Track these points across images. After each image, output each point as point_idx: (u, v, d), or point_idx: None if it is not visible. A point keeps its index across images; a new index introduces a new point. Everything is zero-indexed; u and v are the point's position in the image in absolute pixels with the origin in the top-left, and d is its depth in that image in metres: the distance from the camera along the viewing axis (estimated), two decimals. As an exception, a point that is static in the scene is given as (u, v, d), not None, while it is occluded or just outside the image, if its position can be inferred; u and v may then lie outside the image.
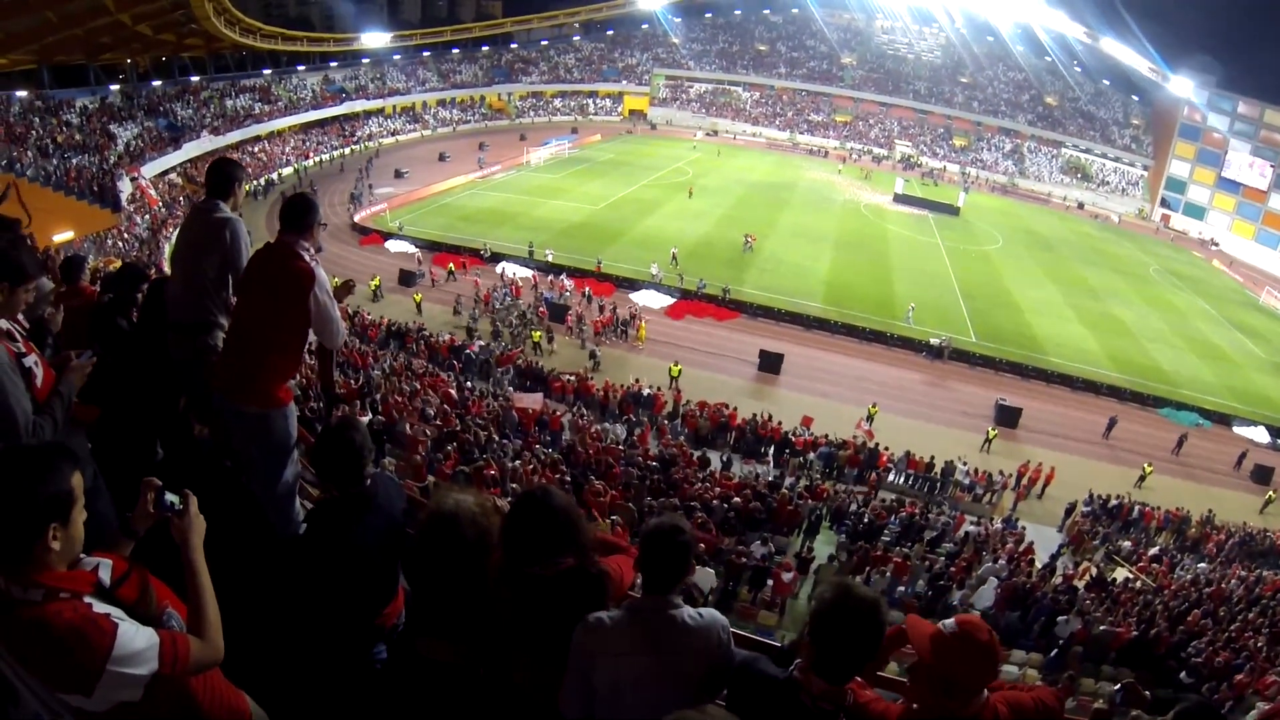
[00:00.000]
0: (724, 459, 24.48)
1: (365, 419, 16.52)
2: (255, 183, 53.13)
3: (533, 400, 24.50)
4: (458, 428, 18.30)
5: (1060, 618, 14.92)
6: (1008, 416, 32.13)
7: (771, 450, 26.02)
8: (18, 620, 2.19)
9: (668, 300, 38.97)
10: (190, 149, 52.46)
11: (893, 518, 20.51)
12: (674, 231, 48.34)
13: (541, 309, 35.34)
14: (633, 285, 39.90)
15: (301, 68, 70.47)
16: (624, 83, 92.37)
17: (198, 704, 2.57)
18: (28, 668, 2.22)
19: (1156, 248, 70.59)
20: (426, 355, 29.04)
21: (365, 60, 76.70)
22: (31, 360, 3.40)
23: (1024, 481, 27.35)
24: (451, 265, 39.97)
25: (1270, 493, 29.99)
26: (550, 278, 39.85)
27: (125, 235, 37.67)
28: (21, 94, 44.04)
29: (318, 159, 64.27)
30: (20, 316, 3.54)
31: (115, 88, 51.95)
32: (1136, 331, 45.57)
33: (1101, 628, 14.48)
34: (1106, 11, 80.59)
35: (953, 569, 16.98)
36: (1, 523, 2.20)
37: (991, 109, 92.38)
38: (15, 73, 45.32)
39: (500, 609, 2.84)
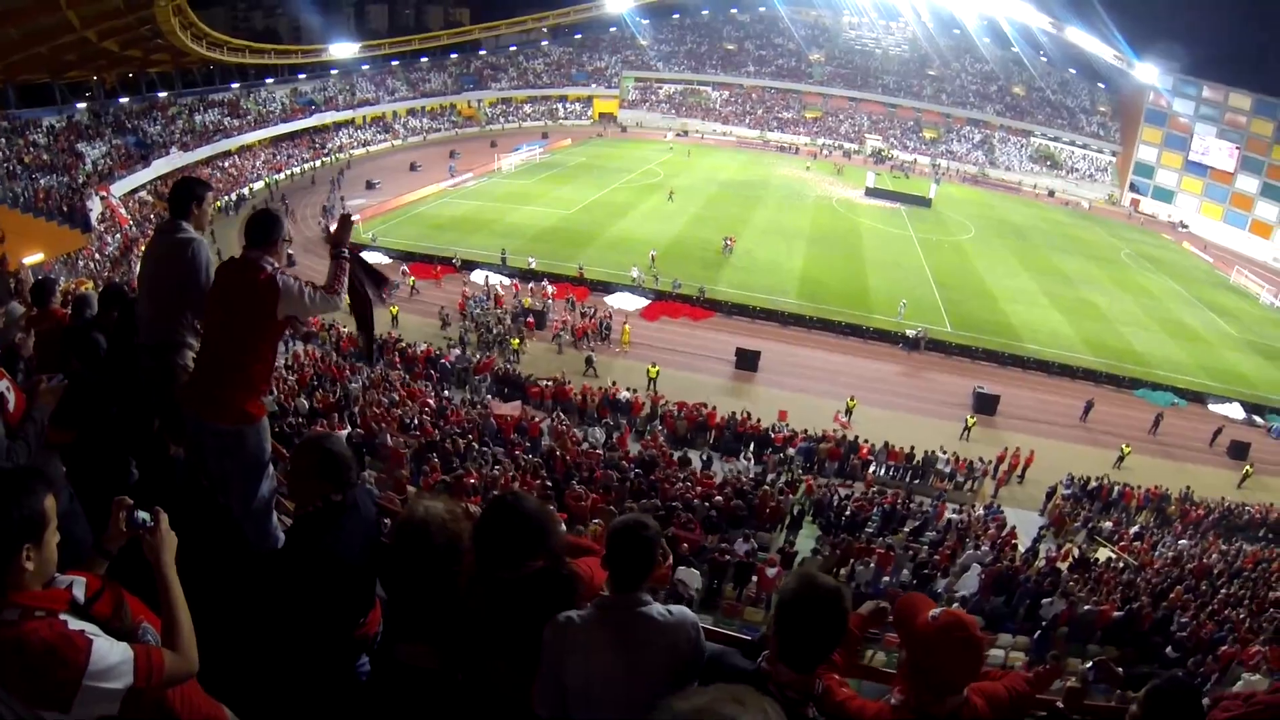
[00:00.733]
0: (704, 458, 24.41)
1: (344, 432, 16.74)
2: (226, 198, 52.60)
3: (511, 407, 24.51)
4: (437, 438, 18.26)
5: (1044, 600, 15.02)
6: (986, 404, 32.28)
7: (751, 447, 25.93)
8: None
9: (643, 302, 38.91)
10: (160, 166, 51.85)
11: (874, 509, 20.64)
12: (647, 233, 48.27)
13: (529, 319, 35.14)
14: (607, 288, 39.81)
15: (270, 80, 69.89)
16: (593, 86, 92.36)
17: (175, 716, 2.61)
18: (5, 686, 2.23)
19: (1127, 232, 71.27)
20: (403, 366, 28.81)
21: (334, 71, 76.22)
22: (3, 386, 3.47)
23: (1004, 468, 27.45)
24: (413, 279, 39.72)
25: (1247, 467, 30.37)
26: (531, 284, 39.59)
27: (96, 255, 37.22)
28: (-14, 115, 43.35)
29: (289, 172, 63.65)
30: None
31: (82, 106, 51.31)
32: (1110, 315, 46.00)
33: (1085, 608, 14.59)
34: (1071, 1, 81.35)
35: (936, 557, 17.06)
36: None
37: (960, 101, 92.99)
38: (-21, 93, 44.72)
39: (473, 613, 2.86)
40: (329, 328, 30.77)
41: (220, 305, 4.22)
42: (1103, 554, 21.19)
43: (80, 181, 43.48)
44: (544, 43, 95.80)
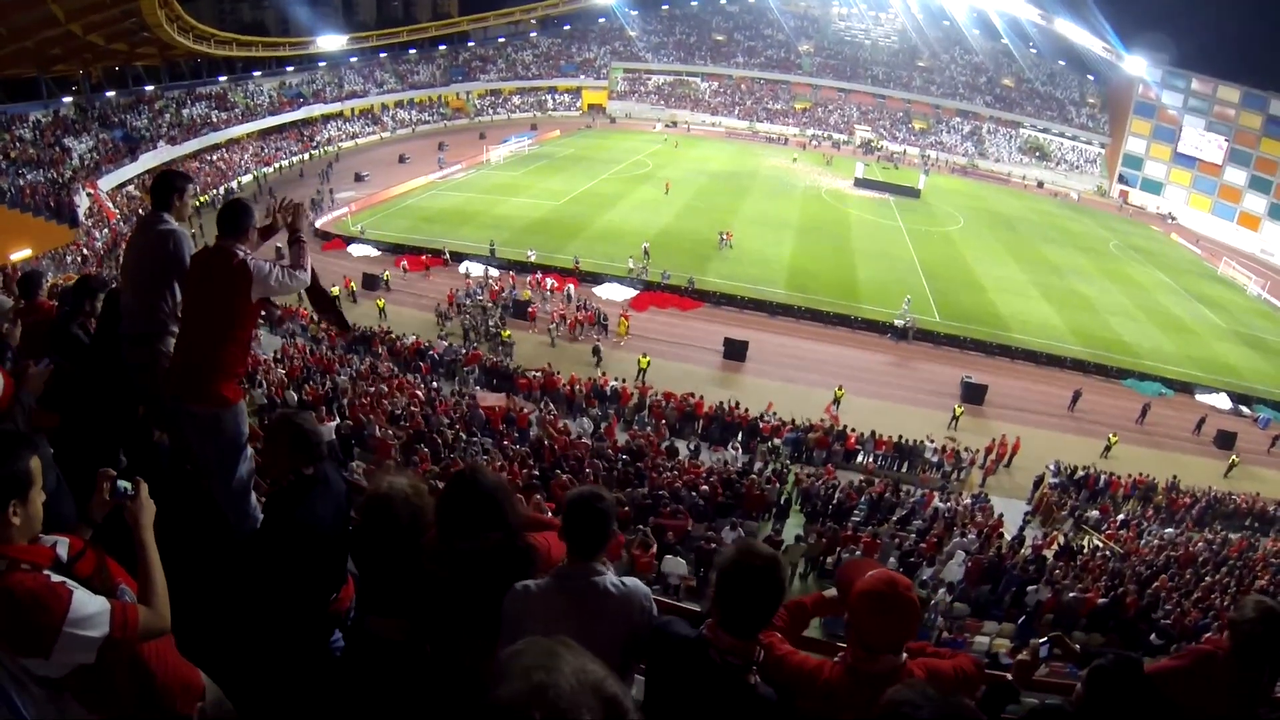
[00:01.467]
0: (691, 447, 24.52)
1: (333, 424, 16.86)
2: (214, 191, 52.10)
3: (497, 398, 24.55)
4: (425, 429, 18.29)
5: (1030, 587, 15.09)
6: (974, 393, 32.35)
7: (740, 437, 25.93)
8: None
9: (631, 293, 38.76)
10: (147, 160, 51.29)
11: (862, 498, 20.63)
12: (636, 224, 48.11)
13: (531, 309, 35.09)
14: (596, 279, 39.61)
15: (257, 73, 69.19)
16: (582, 77, 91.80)
17: (150, 671, 2.72)
18: None
19: (1116, 223, 71.51)
20: (392, 358, 28.75)
21: (322, 64, 75.46)
22: None
23: (992, 457, 27.47)
24: (404, 265, 39.73)
25: (1233, 457, 30.58)
26: (530, 277, 39.39)
27: (84, 250, 36.89)
28: (-27, 111, 42.89)
29: (277, 165, 63.16)
30: None
31: (68, 100, 50.87)
32: (1098, 306, 46.14)
33: (1070, 595, 14.69)
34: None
35: (923, 545, 17.12)
36: None
37: (949, 92, 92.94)
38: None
39: (436, 585, 2.92)
40: (317, 320, 30.56)
41: (195, 292, 4.43)
42: (1089, 542, 21.31)
43: (67, 176, 43.10)
44: (533, 34, 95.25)
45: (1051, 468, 26.54)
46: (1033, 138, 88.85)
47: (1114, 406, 33.63)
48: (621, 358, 32.07)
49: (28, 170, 41.75)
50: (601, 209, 51.52)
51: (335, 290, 35.16)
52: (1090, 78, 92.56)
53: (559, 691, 1.29)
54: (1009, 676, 3.47)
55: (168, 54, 56.02)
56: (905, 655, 2.73)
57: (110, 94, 54.65)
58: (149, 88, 58.25)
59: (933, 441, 26.94)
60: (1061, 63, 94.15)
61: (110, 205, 44.32)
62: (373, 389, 22.00)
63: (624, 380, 28.56)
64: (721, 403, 27.18)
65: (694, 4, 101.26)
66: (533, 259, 40.77)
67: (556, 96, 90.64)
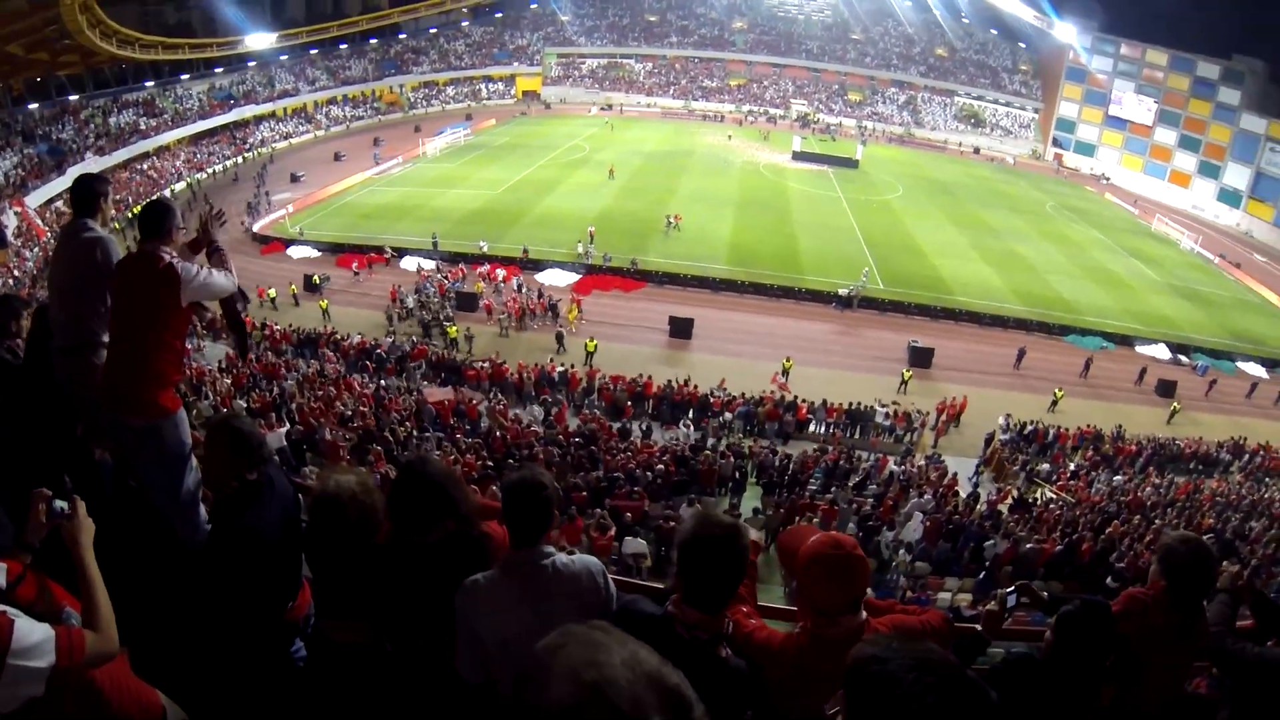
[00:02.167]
0: (643, 428, 24.33)
1: (283, 430, 16.91)
2: (147, 202, 50.22)
3: (445, 392, 24.32)
4: (376, 429, 18.10)
5: (987, 542, 15.30)
6: (921, 357, 32.63)
7: (690, 414, 25.81)
8: None
9: (574, 277, 38.40)
10: (75, 173, 48.28)
11: (816, 466, 20.67)
12: (575, 209, 47.68)
13: (486, 302, 34.50)
14: (538, 266, 39.11)
15: (185, 76, 66.95)
16: (516, 65, 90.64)
17: (105, 699, 2.61)
18: None
19: (1051, 185, 72.85)
20: (338, 359, 28.15)
21: (251, 63, 73.33)
22: None
23: (943, 418, 27.72)
24: (356, 264, 38.83)
25: (1175, 404, 31.63)
26: (480, 269, 38.69)
27: (15, 271, 35.61)
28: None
29: (210, 170, 61.17)
30: None
31: (-11, 115, 48.72)
32: (1038, 266, 46.90)
33: (1028, 546, 14.93)
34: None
35: (880, 509, 17.18)
36: None
37: (884, 63, 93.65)
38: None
39: (392, 581, 2.90)
40: (261, 325, 29.78)
41: (123, 300, 4.19)
42: (1041, 494, 21.57)
43: (-8, 196, 41.25)
44: (464, 23, 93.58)
45: (1002, 423, 26.87)
46: (967, 105, 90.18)
47: (1058, 362, 34.28)
48: (573, 343, 31.71)
49: (-50, 191, 39.92)
50: (540, 195, 50.92)
51: (273, 293, 34.46)
52: (1022, 45, 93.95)
53: (617, 690, 1.14)
54: (978, 628, 3.43)
55: (91, 61, 54.17)
56: (865, 614, 2.70)
57: (33, 106, 52.51)
58: (73, 97, 55.98)
59: (883, 406, 27.04)
60: (993, 31, 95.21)
61: (40, 223, 42.75)
62: (321, 392, 21.57)
63: (573, 365, 28.25)
64: (670, 381, 26.97)
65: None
66: (485, 250, 40.11)
67: (490, 85, 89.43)
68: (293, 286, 35.57)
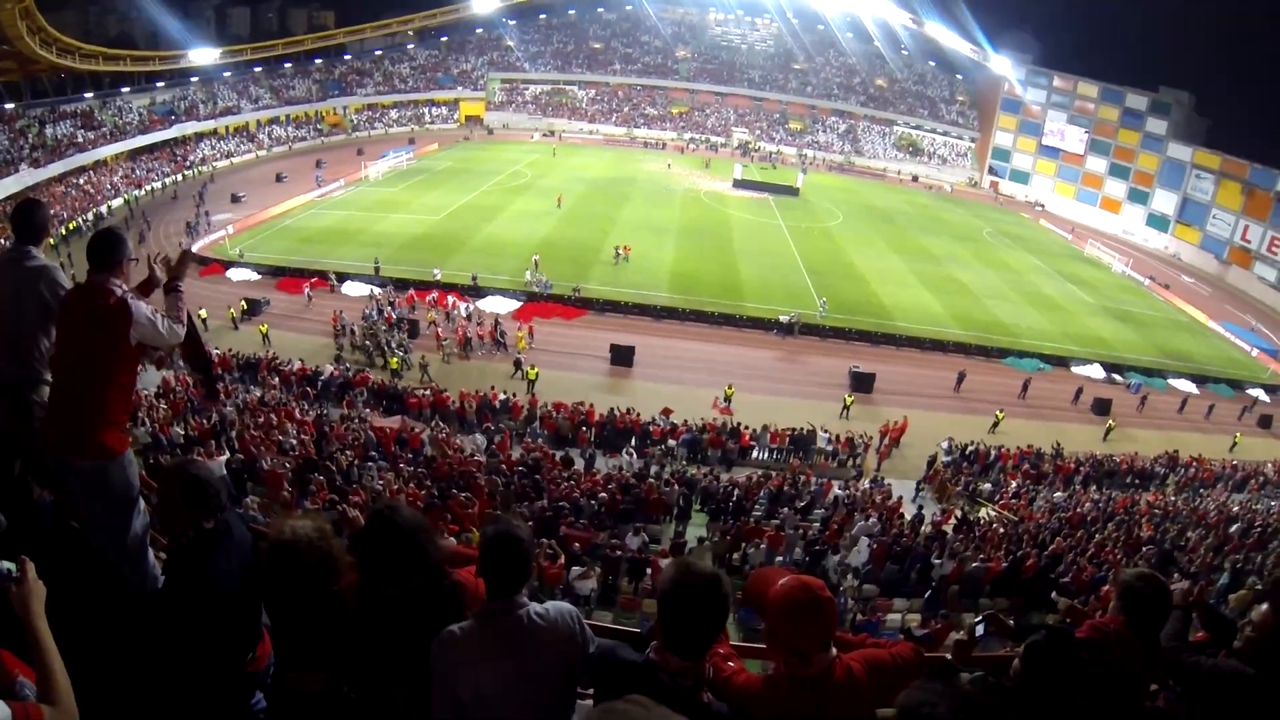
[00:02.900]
0: (586, 456, 24.05)
1: (223, 458, 16.38)
2: (81, 218, 48.97)
3: (390, 420, 23.84)
4: (318, 457, 17.75)
5: (935, 561, 15.46)
6: (862, 382, 32.88)
7: (633, 442, 25.58)
8: None
9: (515, 304, 37.99)
10: (8, 184, 47.63)
11: (761, 491, 20.75)
12: (516, 235, 47.43)
13: (439, 331, 33.95)
14: (479, 293, 38.65)
15: (126, 89, 65.48)
16: (460, 89, 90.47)
17: None
18: None
19: (988, 212, 74.68)
20: (279, 386, 27.55)
21: (194, 79, 72.01)
22: None
23: (885, 441, 27.94)
24: (308, 287, 38.12)
25: (1110, 421, 32.59)
26: (428, 296, 38.04)
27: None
28: None
29: (149, 188, 59.53)
30: None
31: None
32: (976, 290, 47.82)
33: (973, 565, 15.14)
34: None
35: (826, 533, 17.21)
36: None
37: (825, 93, 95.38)
38: None
39: (359, 631, 2.86)
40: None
41: (70, 334, 3.99)
42: (985, 513, 21.86)
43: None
44: (410, 46, 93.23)
45: (944, 446, 27.22)
46: (906, 134, 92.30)
47: (997, 384, 34.88)
48: (501, 370, 31.45)
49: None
50: (482, 222, 50.46)
51: (203, 313, 33.16)
52: (959, 77, 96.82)
53: None
54: (948, 657, 3.47)
55: (29, 69, 53.02)
56: (835, 650, 2.73)
57: (-35, 114, 50.81)
58: (9, 105, 54.39)
59: (826, 431, 27.12)
60: (932, 63, 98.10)
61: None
62: (262, 419, 21.02)
63: (514, 394, 27.91)
64: (612, 409, 26.74)
65: (571, 13, 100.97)
66: (439, 277, 39.44)
67: (434, 109, 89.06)
68: (231, 310, 34.58)
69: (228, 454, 17.10)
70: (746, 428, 26.73)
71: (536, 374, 30.06)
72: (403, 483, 16.06)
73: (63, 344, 4.08)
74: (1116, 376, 38.11)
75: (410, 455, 20.25)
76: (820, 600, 2.64)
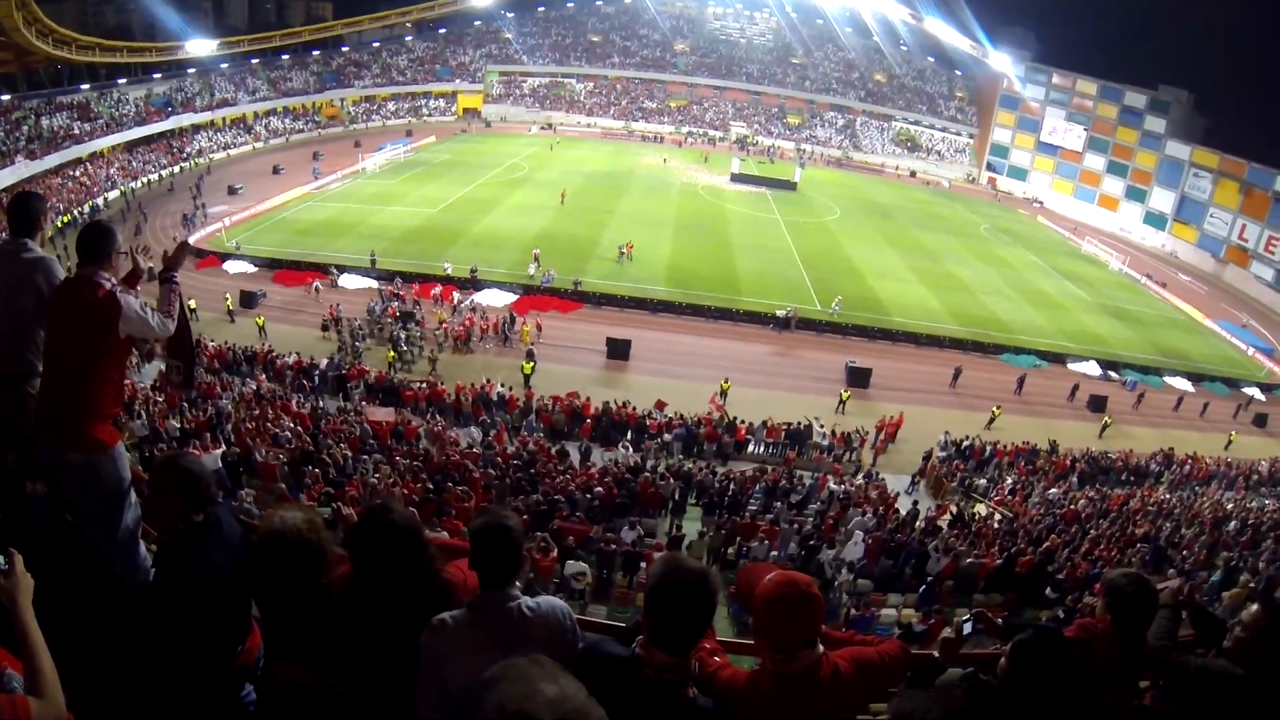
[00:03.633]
0: (582, 449, 24.07)
1: (218, 451, 16.37)
2: (78, 210, 48.60)
3: (385, 413, 23.71)
4: (314, 450, 17.73)
5: (929, 557, 15.47)
6: (859, 377, 32.89)
7: (629, 436, 25.65)
8: None
9: (511, 297, 37.86)
10: (5, 176, 47.27)
11: (756, 486, 20.70)
12: (514, 228, 47.30)
13: (444, 325, 33.75)
14: (476, 285, 38.55)
15: (123, 81, 64.86)
16: (458, 81, 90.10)
17: None
18: None
19: (986, 208, 74.75)
20: (276, 378, 27.52)
21: (191, 70, 71.57)
22: None
23: (881, 436, 27.96)
24: (318, 283, 37.82)
25: (1106, 418, 32.71)
26: (433, 289, 37.97)
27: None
28: None
29: (145, 180, 58.95)
30: None
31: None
32: (973, 286, 47.80)
33: (968, 560, 15.17)
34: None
35: (821, 528, 17.16)
36: None
37: (823, 88, 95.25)
38: None
39: (348, 626, 2.87)
40: (195, 343, 28.55)
41: (59, 327, 4.01)
42: (980, 509, 21.89)
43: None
44: (408, 38, 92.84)
45: (940, 441, 27.25)
46: (904, 130, 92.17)
47: (993, 380, 34.92)
48: (500, 364, 31.38)
49: None
50: (479, 214, 50.30)
51: (192, 303, 33.02)
52: (958, 73, 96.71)
53: None
54: (935, 654, 3.42)
55: (25, 60, 52.46)
56: (822, 647, 2.74)
57: (-38, 105, 50.42)
58: (5, 97, 53.78)
59: (822, 425, 27.09)
60: (931, 59, 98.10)
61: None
62: (258, 412, 21.00)
63: (510, 387, 27.81)
64: (607, 402, 26.69)
65: (570, 5, 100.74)
66: (449, 271, 39.19)
67: (432, 101, 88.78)
68: (228, 301, 34.47)
69: (224, 447, 17.02)
70: (743, 422, 26.66)
71: (532, 368, 29.96)
72: (398, 476, 15.99)
73: (52, 337, 4.09)
74: (1112, 374, 38.24)
75: (405, 448, 20.17)
76: (806, 596, 2.64)
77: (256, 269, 39.57)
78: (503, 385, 27.60)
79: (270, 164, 62.62)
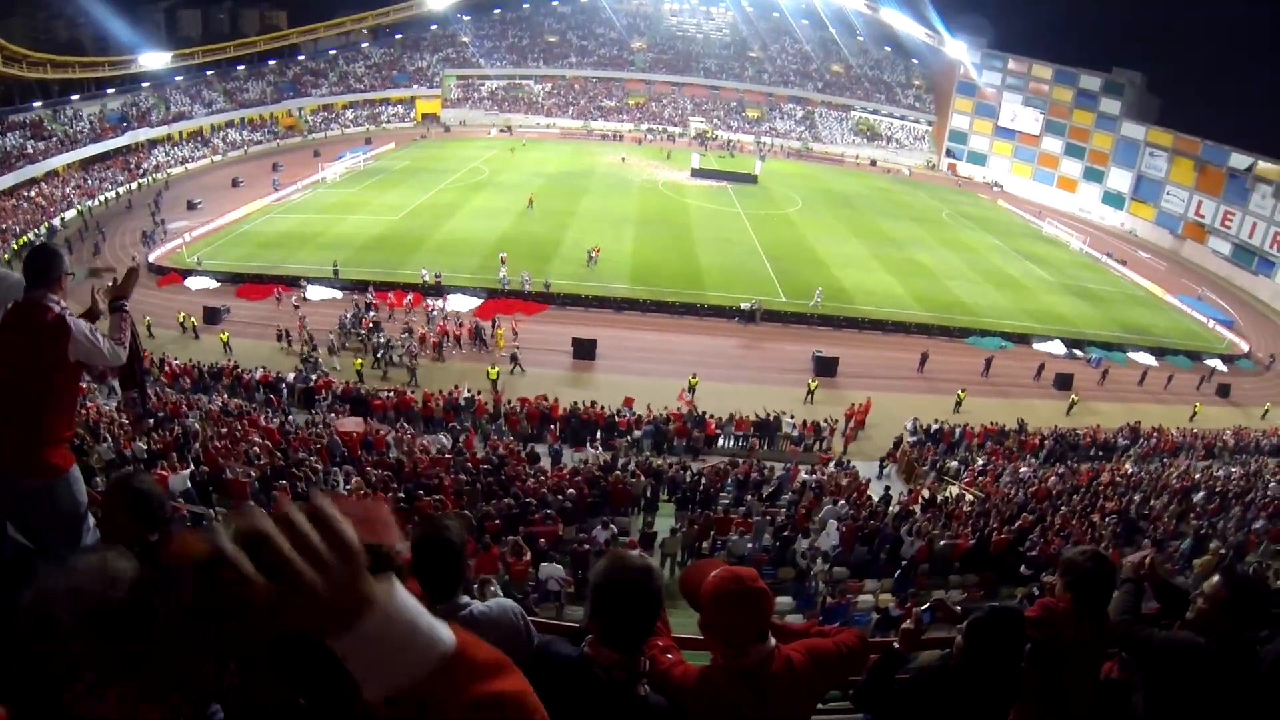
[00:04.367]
0: (552, 451, 24.01)
1: (186, 471, 16.04)
2: (34, 232, 47.44)
3: (354, 423, 23.46)
4: (284, 463, 17.55)
5: (903, 542, 15.60)
6: (826, 367, 32.93)
7: (598, 435, 25.62)
8: None
9: (476, 301, 37.62)
10: None
11: (728, 480, 20.79)
12: (476, 232, 46.90)
13: (422, 333, 33.36)
14: (440, 291, 38.18)
15: (76, 97, 63.67)
16: (415, 87, 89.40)
17: None
18: None
19: (947, 194, 75.27)
20: (245, 394, 27.19)
21: (145, 84, 70.38)
22: None
23: (851, 424, 28.07)
24: (279, 292, 37.44)
25: (1073, 396, 33.18)
26: (405, 298, 37.61)
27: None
28: None
29: (103, 198, 57.67)
30: None
31: None
32: (937, 272, 48.11)
33: (942, 542, 15.28)
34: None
35: (795, 518, 17.22)
36: None
37: (781, 80, 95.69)
38: None
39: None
40: (160, 363, 28.24)
41: (7, 352, 3.89)
42: (952, 491, 21.95)
43: None
44: (364, 44, 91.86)
45: (909, 426, 27.33)
46: (863, 119, 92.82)
47: (960, 363, 35.13)
48: (466, 369, 31.10)
49: None
50: (440, 220, 49.78)
51: (191, 320, 32.94)
52: (915, 61, 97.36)
53: None
54: (895, 644, 3.44)
55: (-26, 80, 51.20)
56: (775, 640, 2.71)
57: (-88, 125, 49.34)
58: (-45, 117, 52.78)
59: (791, 416, 27.14)
60: (887, 48, 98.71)
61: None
62: (225, 429, 20.67)
63: (479, 391, 27.62)
64: (575, 403, 26.57)
65: (526, 6, 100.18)
66: (427, 279, 38.62)
67: (390, 108, 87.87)
68: (190, 318, 33.91)
69: (191, 467, 16.63)
70: (712, 416, 26.65)
71: (498, 373, 29.75)
72: (369, 487, 15.82)
73: (1, 362, 3.98)
74: (1077, 352, 38.77)
75: (376, 458, 19.96)
76: (750, 591, 2.62)
77: (219, 284, 38.72)
78: (470, 390, 27.35)
79: (229, 177, 61.35)
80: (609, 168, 68.69)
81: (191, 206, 52.83)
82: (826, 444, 27.10)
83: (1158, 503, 19.61)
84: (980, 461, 25.27)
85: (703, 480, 20.14)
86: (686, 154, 73.61)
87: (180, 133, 71.14)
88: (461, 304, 37.11)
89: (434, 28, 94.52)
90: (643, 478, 19.76)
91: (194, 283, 38.86)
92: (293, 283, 38.72)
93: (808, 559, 15.28)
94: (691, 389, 29.30)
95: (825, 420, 27.33)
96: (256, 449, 18.72)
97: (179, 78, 73.70)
